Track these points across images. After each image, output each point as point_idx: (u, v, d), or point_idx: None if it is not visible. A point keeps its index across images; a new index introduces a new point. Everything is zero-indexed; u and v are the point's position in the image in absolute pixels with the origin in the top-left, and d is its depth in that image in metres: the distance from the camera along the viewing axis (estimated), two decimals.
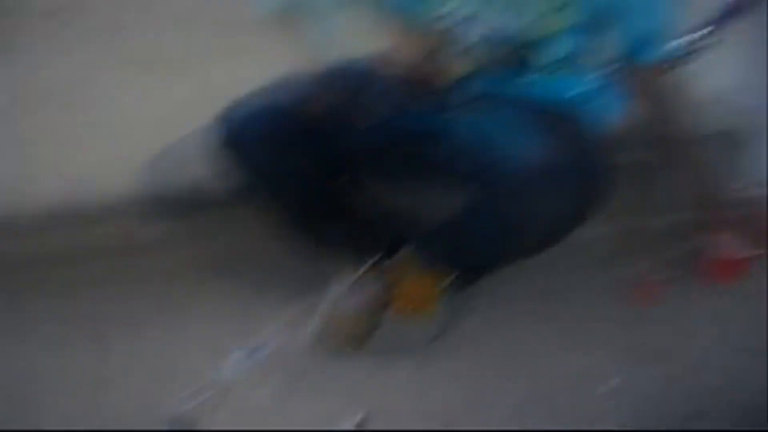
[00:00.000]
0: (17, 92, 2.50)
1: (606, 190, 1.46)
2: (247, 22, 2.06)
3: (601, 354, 1.80)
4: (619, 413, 1.65)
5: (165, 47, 2.69)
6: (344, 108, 1.57)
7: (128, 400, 1.78)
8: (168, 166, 1.95)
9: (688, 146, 1.60)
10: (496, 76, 1.62)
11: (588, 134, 1.57)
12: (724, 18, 1.86)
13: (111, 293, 2.03)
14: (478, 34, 1.56)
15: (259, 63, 2.14)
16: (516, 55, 1.57)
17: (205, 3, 2.92)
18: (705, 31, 1.84)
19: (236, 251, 2.04)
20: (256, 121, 1.58)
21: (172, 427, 1.65)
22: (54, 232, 2.00)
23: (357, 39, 1.62)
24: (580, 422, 1.63)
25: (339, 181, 1.73)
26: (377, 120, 1.60)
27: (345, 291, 1.85)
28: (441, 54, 1.58)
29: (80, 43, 2.81)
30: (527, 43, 1.55)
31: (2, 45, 2.86)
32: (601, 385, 1.70)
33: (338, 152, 1.63)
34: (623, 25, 1.55)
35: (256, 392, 1.75)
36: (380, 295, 1.85)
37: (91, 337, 1.94)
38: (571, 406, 1.68)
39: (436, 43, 1.57)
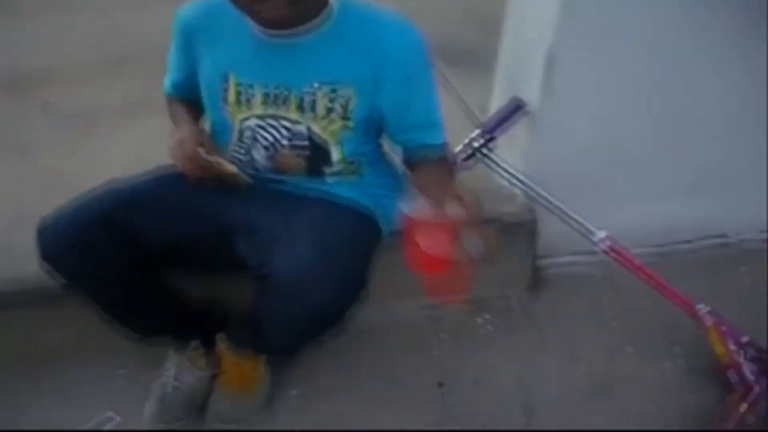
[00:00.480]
0: None
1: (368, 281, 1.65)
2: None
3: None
4: None
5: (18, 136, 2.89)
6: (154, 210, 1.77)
7: None
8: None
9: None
10: (293, 178, 1.84)
11: (366, 230, 1.81)
12: (495, 124, 2.15)
13: None
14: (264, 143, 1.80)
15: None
16: (308, 159, 1.80)
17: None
18: (481, 135, 2.13)
19: (73, 339, 2.16)
20: (66, 232, 1.69)
21: None
22: None
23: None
24: None
25: (150, 277, 1.86)
26: (183, 217, 1.80)
27: (174, 372, 2.01)
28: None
29: None
30: (316, 147, 1.77)
31: None
32: None
33: (147, 251, 1.76)
34: (398, 127, 1.79)
35: None
36: (205, 376, 2.02)
37: None
38: None
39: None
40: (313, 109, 1.72)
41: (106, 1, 4.78)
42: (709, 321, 2.06)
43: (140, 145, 2.67)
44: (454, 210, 1.42)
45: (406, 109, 1.74)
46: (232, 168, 1.76)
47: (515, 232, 2.25)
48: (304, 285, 1.53)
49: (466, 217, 1.42)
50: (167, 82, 1.95)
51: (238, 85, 1.76)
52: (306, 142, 1.77)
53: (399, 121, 1.76)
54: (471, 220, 1.42)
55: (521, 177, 2.16)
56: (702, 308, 2.08)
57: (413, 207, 1.46)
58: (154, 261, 1.83)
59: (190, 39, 1.80)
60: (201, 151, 1.72)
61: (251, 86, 1.75)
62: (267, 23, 1.64)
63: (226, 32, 1.75)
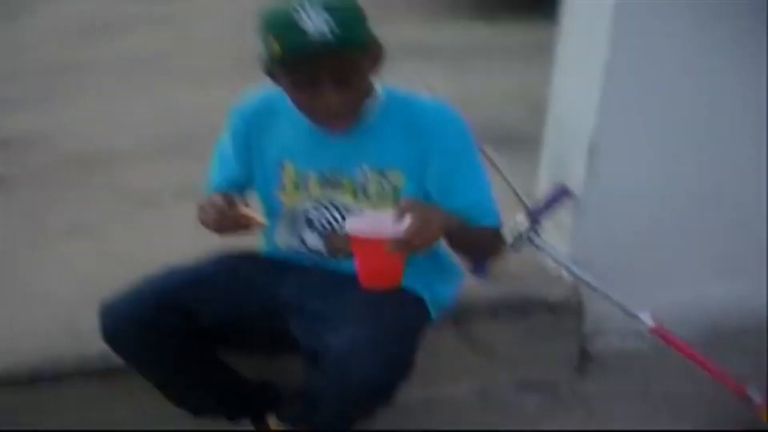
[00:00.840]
0: None
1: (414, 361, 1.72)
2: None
3: None
4: None
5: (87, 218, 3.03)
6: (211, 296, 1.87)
7: None
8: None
9: None
10: (340, 259, 1.92)
11: (415, 313, 1.87)
12: (541, 211, 2.22)
13: None
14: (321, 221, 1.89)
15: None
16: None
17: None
18: (528, 220, 2.19)
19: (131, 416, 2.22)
20: (126, 314, 1.79)
21: None
22: None
23: None
24: None
25: (205, 357, 1.99)
26: (238, 299, 1.89)
27: None
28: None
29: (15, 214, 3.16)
30: None
31: None
32: None
33: (203, 332, 1.86)
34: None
35: None
36: None
37: None
38: None
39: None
40: (365, 193, 1.83)
41: (168, 83, 5.02)
42: (760, 403, 2.06)
43: (199, 226, 2.79)
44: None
45: (453, 192, 1.79)
46: (258, 217, 1.81)
47: (562, 313, 2.28)
48: (355, 364, 1.59)
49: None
50: (214, 180, 2.01)
51: (295, 171, 1.88)
52: None
53: (448, 204, 1.80)
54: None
55: (566, 261, 2.21)
56: (752, 390, 2.08)
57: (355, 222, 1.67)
58: (210, 341, 1.94)
59: (247, 134, 1.92)
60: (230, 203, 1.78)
61: (306, 173, 1.86)
62: (335, 132, 1.77)
63: (281, 122, 1.87)
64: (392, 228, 1.57)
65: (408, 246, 1.57)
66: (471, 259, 2.00)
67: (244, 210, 1.77)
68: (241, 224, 1.76)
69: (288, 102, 1.75)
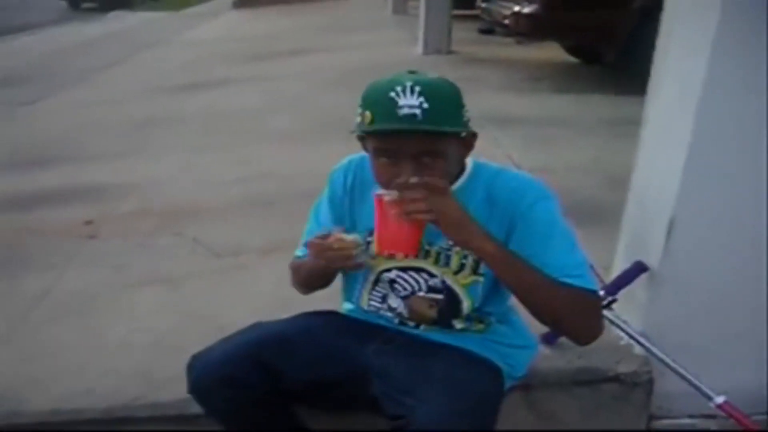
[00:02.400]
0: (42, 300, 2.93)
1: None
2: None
3: None
4: None
5: (168, 269, 3.14)
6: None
7: None
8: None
9: None
10: (426, 328, 1.95)
11: (491, 380, 1.86)
12: (618, 286, 2.21)
13: None
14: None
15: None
16: (440, 310, 1.90)
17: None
18: (604, 296, 2.19)
19: None
20: (215, 368, 1.84)
21: None
22: None
23: None
24: None
25: (286, 416, 2.02)
26: (323, 361, 1.92)
27: None
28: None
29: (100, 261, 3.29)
30: (449, 299, 1.87)
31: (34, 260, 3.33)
32: None
33: (287, 391, 1.91)
34: None
35: None
36: None
37: None
38: None
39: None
40: (447, 263, 1.86)
41: (254, 140, 5.18)
42: None
43: (280, 283, 2.85)
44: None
45: (538, 256, 1.74)
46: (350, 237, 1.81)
47: (631, 387, 2.24)
48: None
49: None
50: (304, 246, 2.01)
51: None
52: (440, 295, 1.89)
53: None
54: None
55: (639, 337, 2.19)
56: None
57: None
58: (289, 398, 1.98)
59: (343, 198, 1.97)
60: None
61: None
62: None
63: (366, 190, 1.90)
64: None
65: (405, 207, 1.62)
66: (551, 322, 1.87)
67: (337, 235, 1.79)
68: (340, 250, 1.77)
69: None
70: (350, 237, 1.78)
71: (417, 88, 1.63)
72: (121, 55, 10.54)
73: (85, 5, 24.58)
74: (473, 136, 1.79)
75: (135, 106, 6.87)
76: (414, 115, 1.62)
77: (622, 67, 6.32)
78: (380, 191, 1.69)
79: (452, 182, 1.80)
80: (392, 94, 1.63)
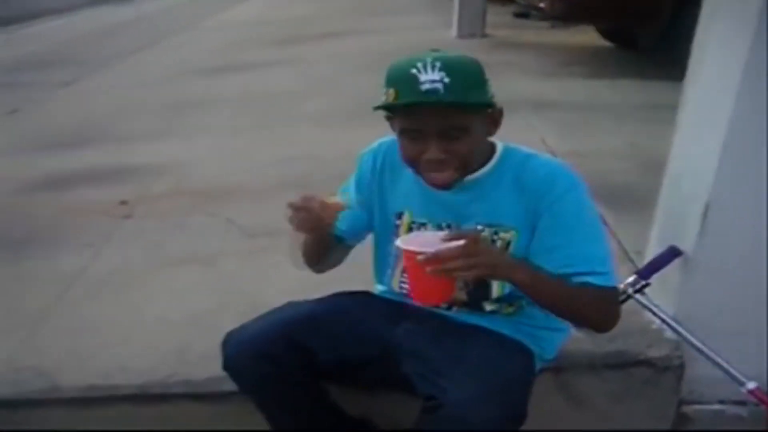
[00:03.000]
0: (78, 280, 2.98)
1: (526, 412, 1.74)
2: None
3: None
4: None
5: (202, 248, 3.18)
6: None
7: None
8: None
9: None
10: (457, 310, 1.96)
11: (523, 362, 1.87)
12: (651, 270, 2.20)
13: None
14: None
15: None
16: (470, 292, 1.91)
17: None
18: (636, 280, 2.18)
19: None
20: (249, 346, 1.88)
21: None
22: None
23: None
24: None
25: (316, 393, 2.04)
26: (354, 340, 1.94)
27: None
28: None
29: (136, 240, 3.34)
30: (478, 281, 1.86)
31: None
32: None
33: (319, 369, 1.93)
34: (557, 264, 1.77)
35: None
36: None
37: None
38: None
39: None
40: None
41: (289, 122, 5.19)
42: None
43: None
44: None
45: (560, 246, 1.76)
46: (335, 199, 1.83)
47: (662, 371, 2.23)
48: (475, 416, 1.61)
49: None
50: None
51: (412, 222, 1.94)
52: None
53: (553, 259, 1.77)
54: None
55: (672, 322, 2.18)
56: None
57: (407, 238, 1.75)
58: (321, 376, 2.00)
59: (372, 181, 1.99)
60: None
61: (424, 224, 1.92)
62: (435, 187, 1.80)
63: (404, 173, 1.91)
64: (435, 247, 1.61)
65: (439, 265, 1.60)
66: (571, 321, 1.92)
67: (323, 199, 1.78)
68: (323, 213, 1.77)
69: None
70: (337, 201, 1.81)
71: (438, 64, 1.64)
72: (153, 38, 10.59)
73: None
74: (500, 112, 1.79)
75: (168, 88, 6.91)
76: (436, 90, 1.63)
77: (659, 51, 6.26)
78: (409, 245, 1.67)
79: (481, 165, 1.81)
80: (413, 71, 1.65)
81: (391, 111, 1.75)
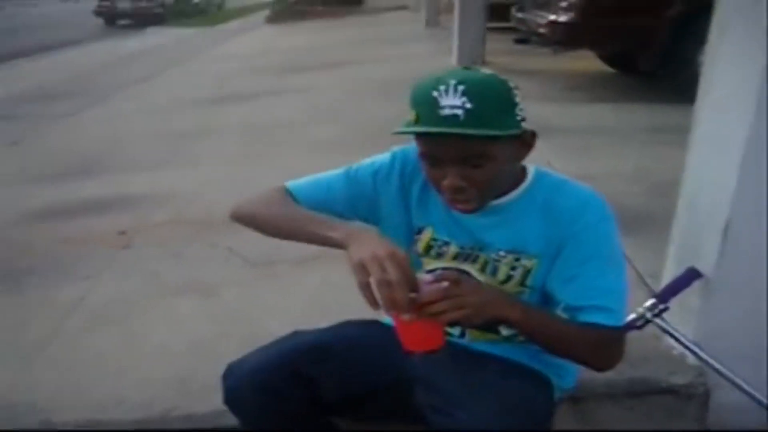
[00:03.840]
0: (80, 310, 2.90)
1: None
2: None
3: None
4: None
5: (203, 278, 3.10)
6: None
7: None
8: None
9: None
10: (471, 339, 1.86)
11: (541, 392, 1.78)
12: (669, 293, 2.12)
13: None
14: None
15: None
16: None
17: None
18: (655, 304, 2.10)
19: None
20: (251, 378, 1.76)
21: None
22: None
23: None
24: None
25: (319, 425, 1.94)
26: (362, 372, 1.84)
27: None
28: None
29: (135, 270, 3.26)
30: None
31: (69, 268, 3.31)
32: None
33: (325, 402, 1.85)
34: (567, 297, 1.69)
35: None
36: None
37: None
38: None
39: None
40: (494, 273, 1.76)
41: (290, 151, 5.15)
42: None
43: (317, 292, 2.81)
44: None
45: (574, 281, 1.67)
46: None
47: (685, 398, 2.15)
48: None
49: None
50: (310, 189, 1.90)
51: (433, 239, 1.83)
52: None
53: (565, 292, 1.68)
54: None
55: (694, 347, 2.10)
56: None
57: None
58: (327, 409, 1.89)
59: (398, 181, 1.85)
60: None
61: (447, 243, 1.81)
62: (458, 211, 1.71)
63: (429, 188, 1.79)
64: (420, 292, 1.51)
65: (424, 311, 1.50)
66: (568, 360, 1.77)
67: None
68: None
69: None
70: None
71: (461, 88, 1.53)
72: (158, 69, 10.63)
73: (121, 22, 24.91)
74: (532, 135, 1.69)
75: (172, 118, 6.90)
76: (456, 116, 1.52)
77: (660, 75, 6.25)
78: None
79: (510, 188, 1.73)
80: (435, 93, 1.54)
81: (404, 133, 1.65)
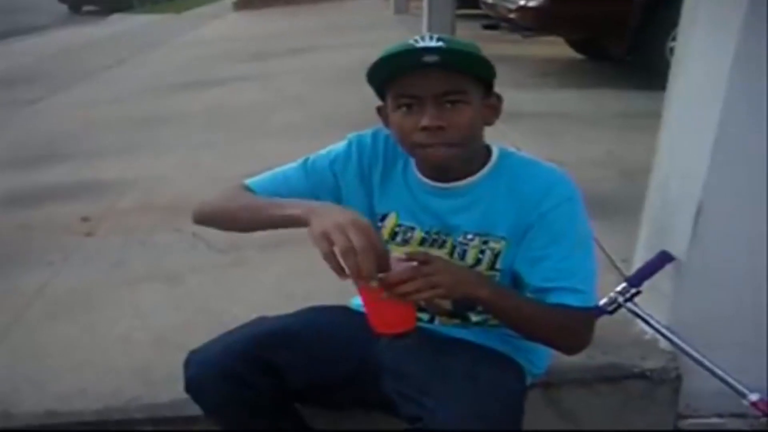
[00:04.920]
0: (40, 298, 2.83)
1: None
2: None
3: None
4: None
5: (168, 265, 3.05)
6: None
7: None
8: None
9: None
10: (437, 322, 1.83)
11: (512, 377, 1.74)
12: (641, 277, 2.10)
13: None
14: None
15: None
16: (454, 301, 1.77)
17: None
18: (626, 288, 2.08)
19: None
20: (212, 366, 1.71)
21: None
22: None
23: None
24: None
25: (287, 415, 1.90)
26: (328, 359, 1.79)
27: None
28: None
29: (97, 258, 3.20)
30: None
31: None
32: None
33: (289, 390, 1.78)
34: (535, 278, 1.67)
35: None
36: None
37: None
38: None
39: None
40: (462, 257, 1.73)
41: (255, 136, 5.09)
42: None
43: (283, 279, 2.76)
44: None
45: (541, 262, 1.64)
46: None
47: (658, 383, 2.12)
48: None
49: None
50: (267, 181, 1.87)
51: (398, 225, 1.79)
52: None
53: (532, 275, 1.66)
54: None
55: (666, 331, 2.08)
56: None
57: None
58: (292, 397, 1.85)
59: (357, 168, 1.81)
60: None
61: (412, 228, 1.78)
62: (432, 165, 1.67)
63: (395, 173, 1.78)
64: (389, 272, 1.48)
65: (393, 290, 1.47)
66: (538, 342, 1.76)
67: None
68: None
69: (400, 153, 1.73)
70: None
71: (436, 36, 1.55)
72: (124, 56, 10.48)
73: (86, 8, 24.56)
74: (498, 98, 1.69)
75: (137, 104, 6.81)
76: (432, 50, 1.52)
77: (630, 61, 6.26)
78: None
79: (476, 169, 1.70)
80: (411, 41, 1.56)
81: (386, 83, 1.62)
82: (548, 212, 1.64)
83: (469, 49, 1.58)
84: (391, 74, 1.59)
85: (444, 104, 1.56)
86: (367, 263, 1.43)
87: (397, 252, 1.75)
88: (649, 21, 5.67)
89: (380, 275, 1.46)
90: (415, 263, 1.51)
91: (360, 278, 1.45)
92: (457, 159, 1.64)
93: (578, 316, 1.64)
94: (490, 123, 1.69)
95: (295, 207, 1.60)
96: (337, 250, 1.43)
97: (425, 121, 1.56)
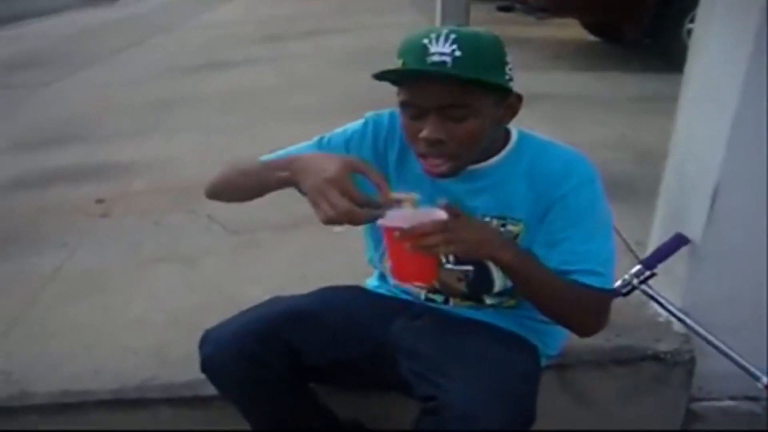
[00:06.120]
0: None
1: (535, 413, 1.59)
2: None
3: None
4: None
5: (182, 246, 3.06)
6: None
7: None
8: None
9: None
10: (453, 304, 1.83)
11: (527, 358, 1.74)
12: (656, 259, 2.09)
13: None
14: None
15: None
16: (470, 283, 1.77)
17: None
18: (641, 270, 2.08)
19: None
20: (228, 346, 1.71)
21: None
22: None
23: None
24: None
25: (303, 395, 1.90)
26: (343, 339, 1.80)
27: None
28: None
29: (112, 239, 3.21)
30: (479, 272, 1.73)
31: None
32: None
33: (305, 370, 1.78)
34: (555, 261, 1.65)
35: None
36: None
37: None
38: None
39: None
40: None
41: (268, 119, 5.08)
42: None
43: (298, 260, 2.77)
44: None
45: (562, 243, 1.63)
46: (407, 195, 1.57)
47: (671, 365, 2.12)
48: (477, 418, 1.48)
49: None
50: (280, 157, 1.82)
51: (416, 208, 1.77)
52: (470, 267, 1.75)
53: (551, 256, 1.64)
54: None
55: (680, 314, 2.08)
56: None
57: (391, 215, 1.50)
58: (308, 377, 1.86)
59: (372, 149, 1.80)
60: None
61: None
62: (428, 173, 1.64)
63: (410, 154, 1.72)
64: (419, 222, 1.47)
65: (416, 241, 1.45)
66: (555, 318, 1.72)
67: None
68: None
69: None
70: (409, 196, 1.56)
71: (452, 36, 1.49)
72: (138, 38, 10.45)
73: None
74: (517, 98, 1.64)
75: (152, 86, 6.79)
76: (444, 63, 1.48)
77: (645, 45, 6.21)
78: (387, 221, 1.49)
79: (494, 152, 1.68)
80: (425, 41, 1.50)
81: (396, 83, 1.60)
82: (568, 194, 1.63)
83: (486, 59, 1.53)
84: (398, 79, 1.58)
85: (447, 116, 1.53)
86: (357, 221, 1.49)
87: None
88: (667, 2, 5.61)
89: (405, 227, 1.46)
90: (443, 215, 1.49)
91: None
92: (458, 169, 1.62)
93: (597, 296, 1.63)
94: (505, 123, 1.67)
95: (283, 168, 1.63)
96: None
97: (424, 133, 1.53)
